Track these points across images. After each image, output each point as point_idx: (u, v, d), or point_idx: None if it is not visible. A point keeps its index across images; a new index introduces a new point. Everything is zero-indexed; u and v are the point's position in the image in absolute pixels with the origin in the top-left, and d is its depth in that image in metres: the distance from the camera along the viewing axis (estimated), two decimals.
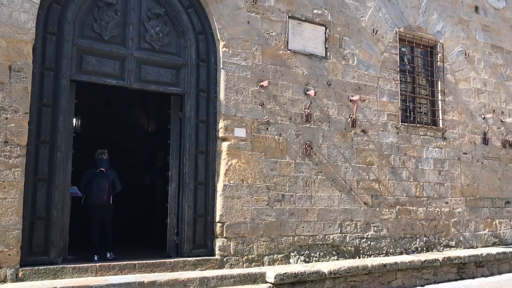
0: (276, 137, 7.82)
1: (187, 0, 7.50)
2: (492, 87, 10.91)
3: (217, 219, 7.20)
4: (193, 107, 7.36)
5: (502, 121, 10.92)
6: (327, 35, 8.58)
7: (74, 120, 7.86)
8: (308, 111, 8.11)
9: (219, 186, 7.27)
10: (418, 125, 9.63)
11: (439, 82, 10.03)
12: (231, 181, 7.31)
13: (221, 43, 7.51)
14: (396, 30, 9.49)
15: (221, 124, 7.36)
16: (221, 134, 7.37)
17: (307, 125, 8.17)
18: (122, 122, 12.79)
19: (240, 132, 7.46)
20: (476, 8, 10.98)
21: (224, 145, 7.37)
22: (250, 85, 7.67)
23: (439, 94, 10.00)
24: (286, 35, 8.14)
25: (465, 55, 10.49)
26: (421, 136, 9.60)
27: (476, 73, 10.68)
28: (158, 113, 12.01)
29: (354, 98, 8.67)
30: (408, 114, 9.66)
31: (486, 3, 11.16)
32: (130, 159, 12.59)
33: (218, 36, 7.51)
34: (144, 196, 12.24)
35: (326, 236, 8.12)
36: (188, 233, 7.11)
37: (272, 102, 7.86)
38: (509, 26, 11.48)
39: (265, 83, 7.73)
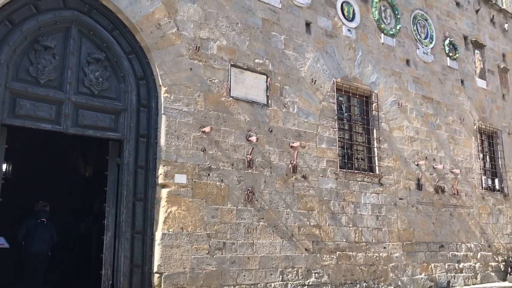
0: (217, 183, 7.77)
1: (129, 46, 7.48)
2: (424, 135, 11.51)
3: (155, 269, 6.93)
4: (132, 153, 7.21)
5: (434, 168, 11.47)
6: (268, 84, 8.79)
7: (5, 165, 7.50)
8: (250, 157, 8.17)
9: (158, 235, 7.05)
10: (355, 171, 9.92)
11: (375, 130, 10.46)
12: (170, 229, 7.12)
13: (163, 89, 7.49)
14: (333, 80, 9.90)
15: (161, 170, 7.24)
16: (160, 180, 7.22)
17: (249, 171, 8.20)
18: (58, 167, 12.27)
19: (181, 178, 7.35)
20: (408, 61, 11.70)
21: (164, 192, 7.22)
22: (192, 130, 7.65)
23: (375, 141, 10.41)
24: (229, 82, 8.27)
25: (398, 105, 11.06)
26: (359, 182, 9.87)
27: (409, 122, 11.25)
28: (96, 158, 11.66)
29: (295, 144, 8.85)
30: (346, 160, 9.95)
31: (416, 57, 11.93)
32: (65, 205, 12.02)
33: (160, 82, 7.50)
34: (79, 245, 11.65)
35: (268, 285, 8.02)
36: (123, 284, 6.79)
37: (214, 148, 7.86)
38: (438, 79, 12.29)
39: (207, 129, 7.74)
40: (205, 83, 7.97)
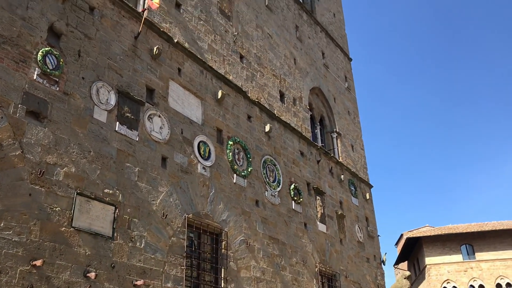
0: None
1: None
2: (269, 276, 11.72)
3: None
4: None
5: None
6: (116, 215, 8.42)
7: None
8: None
9: None
10: None
11: (223, 269, 10.39)
12: None
13: None
14: (185, 216, 9.87)
15: None
16: None
17: None
18: None
19: None
20: (257, 202, 12.30)
21: None
22: (20, 264, 6.78)
23: (222, 281, 10.27)
24: (72, 211, 7.73)
25: (247, 244, 11.29)
26: None
27: (256, 262, 11.45)
28: None
29: (138, 283, 8.31)
30: None
31: (265, 198, 12.63)
32: None
33: None
34: None
35: None
36: None
37: (45, 285, 6.98)
38: (284, 221, 13.02)
39: (38, 263, 6.92)
40: (45, 211, 7.34)
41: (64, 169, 7.84)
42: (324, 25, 20.70)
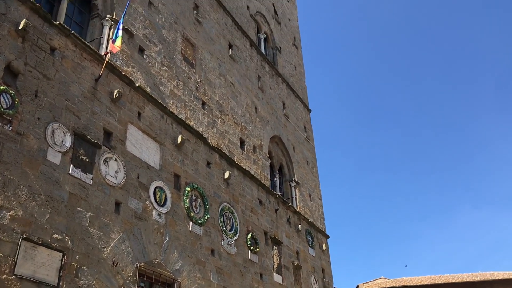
0: None
1: None
2: None
3: None
4: None
5: None
6: (63, 262, 8.01)
7: None
8: None
9: None
10: None
11: None
12: None
13: None
14: (137, 265, 9.51)
15: None
16: None
17: None
18: None
19: None
20: (213, 251, 12.03)
21: None
22: None
23: None
24: (16, 258, 7.30)
25: None
26: None
27: None
28: None
29: None
30: None
31: (221, 247, 12.38)
32: None
33: None
34: None
35: None
36: None
37: None
38: (239, 271, 12.75)
39: None
40: None
41: (10, 212, 7.47)
42: (285, 76, 21.25)
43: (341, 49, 68.24)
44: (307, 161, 20.46)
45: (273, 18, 22.36)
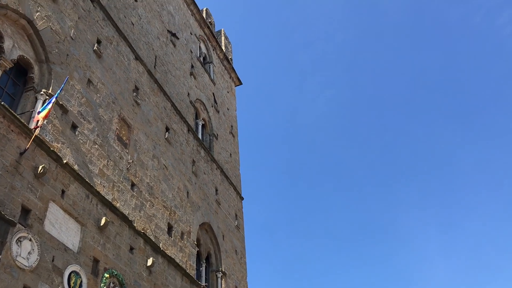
0: None
1: None
2: None
3: None
4: None
5: None
6: None
7: None
8: None
9: None
10: None
11: None
12: None
13: None
14: None
15: None
16: None
17: None
18: None
19: None
20: None
21: None
22: None
23: None
24: None
25: None
26: None
27: None
28: None
29: None
30: None
31: None
32: None
33: None
34: None
35: None
36: None
37: None
38: None
39: None
40: None
41: None
42: (220, 163, 21.44)
43: (276, 142, 70.49)
44: (236, 250, 20.09)
45: (212, 106, 22.97)
